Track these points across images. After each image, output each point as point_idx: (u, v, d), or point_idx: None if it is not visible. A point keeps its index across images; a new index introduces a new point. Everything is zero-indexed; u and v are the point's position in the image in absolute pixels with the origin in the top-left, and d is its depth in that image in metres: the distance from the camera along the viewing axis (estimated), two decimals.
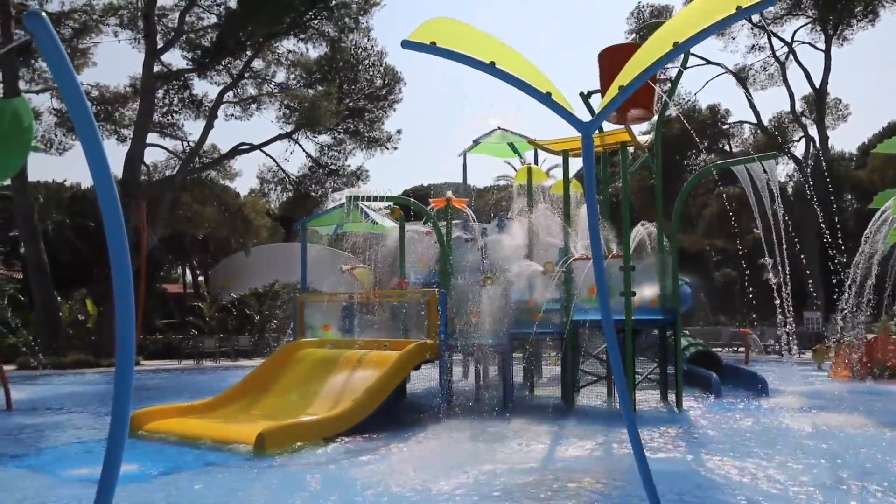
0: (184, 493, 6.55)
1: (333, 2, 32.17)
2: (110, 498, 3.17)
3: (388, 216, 16.66)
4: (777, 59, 39.66)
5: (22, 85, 29.94)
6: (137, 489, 6.58)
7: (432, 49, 4.32)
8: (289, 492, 6.51)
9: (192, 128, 63.27)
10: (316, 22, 33.25)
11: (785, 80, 39.11)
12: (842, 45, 38.58)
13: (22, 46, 26.12)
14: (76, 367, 22.02)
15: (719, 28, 4.25)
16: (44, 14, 3.07)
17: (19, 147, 3.43)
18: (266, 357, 15.53)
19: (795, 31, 38.87)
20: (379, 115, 37.50)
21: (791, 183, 42.67)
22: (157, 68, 31.14)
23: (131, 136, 31.04)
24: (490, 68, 4.32)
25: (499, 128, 17.80)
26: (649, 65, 4.30)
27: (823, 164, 37.35)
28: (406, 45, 4.37)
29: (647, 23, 36.55)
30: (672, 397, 12.28)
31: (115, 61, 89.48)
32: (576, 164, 13.19)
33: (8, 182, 24.68)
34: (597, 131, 12.80)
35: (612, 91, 4.54)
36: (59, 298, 26.46)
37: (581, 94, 14.07)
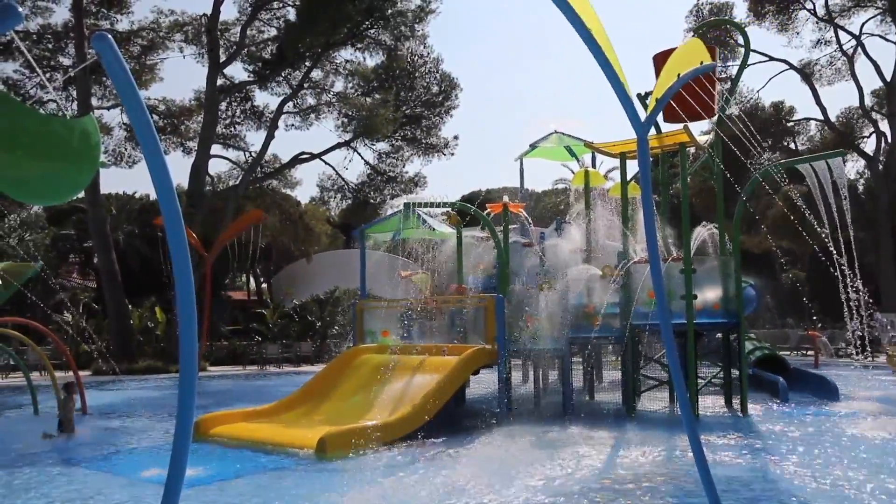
0: (248, 496, 6.72)
1: (389, 11, 32.52)
2: (176, 499, 3.29)
3: (445, 222, 16.72)
4: (844, 52, 38.31)
5: (94, 101, 31.18)
6: (204, 491, 6.78)
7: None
8: (350, 495, 6.61)
9: (254, 138, 64.71)
10: (372, 31, 33.67)
11: (853, 75, 37.73)
12: None
13: (94, 65, 27.19)
14: (146, 373, 22.73)
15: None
16: (109, 36, 3.22)
17: (88, 163, 3.58)
18: (327, 363, 15.78)
19: (864, 23, 37.49)
20: (436, 122, 37.70)
21: (861, 180, 41.15)
22: (220, 81, 32.00)
23: (196, 147, 31.96)
24: (589, 39, 4.45)
25: (555, 131, 17.70)
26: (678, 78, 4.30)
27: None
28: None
29: (707, 20, 35.81)
30: (737, 402, 12.00)
31: (180, 76, 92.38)
32: (634, 166, 13.03)
33: (82, 195, 25.68)
34: (654, 132, 12.63)
35: (654, 101, 4.52)
36: (130, 306, 27.38)
37: (638, 95, 13.90)
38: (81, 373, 15.03)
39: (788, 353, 26.17)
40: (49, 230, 35.73)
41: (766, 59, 37.96)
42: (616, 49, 4.73)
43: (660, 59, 12.20)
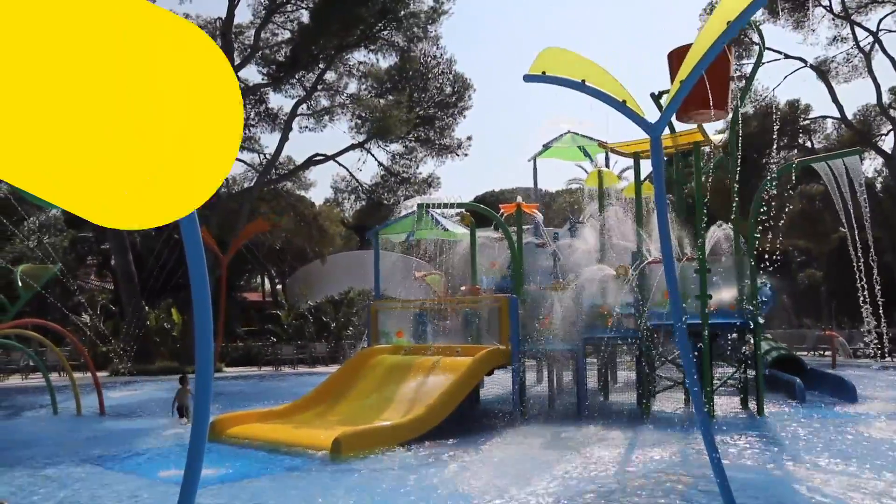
0: (263, 496, 6.75)
1: (402, 12, 32.54)
2: (192, 500, 3.31)
3: (458, 223, 16.72)
4: (861, 49, 37.93)
5: None
6: (220, 491, 6.82)
7: (544, 78, 5.25)
8: (365, 496, 6.63)
9: (268, 140, 64.78)
10: (385, 33, 33.71)
11: (870, 72, 37.34)
12: None
13: None
14: (162, 374, 22.85)
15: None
16: None
17: None
18: (342, 363, 15.84)
19: (881, 20, 37.08)
20: (449, 123, 37.68)
21: (879, 178, 40.75)
22: None
23: None
24: (580, 85, 5.08)
25: (569, 131, 17.67)
26: (706, 50, 4.34)
27: None
28: (527, 78, 5.34)
29: None
30: (753, 403, 11.92)
31: None
32: (648, 165, 12.98)
33: None
34: (668, 131, 12.58)
35: (675, 87, 4.52)
36: (146, 307, 27.58)
37: (651, 95, 13.84)
38: (99, 373, 15.16)
39: (805, 353, 25.96)
40: (67, 233, 36.09)
41: (782, 56, 37.65)
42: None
43: (675, 57, 12.15)
